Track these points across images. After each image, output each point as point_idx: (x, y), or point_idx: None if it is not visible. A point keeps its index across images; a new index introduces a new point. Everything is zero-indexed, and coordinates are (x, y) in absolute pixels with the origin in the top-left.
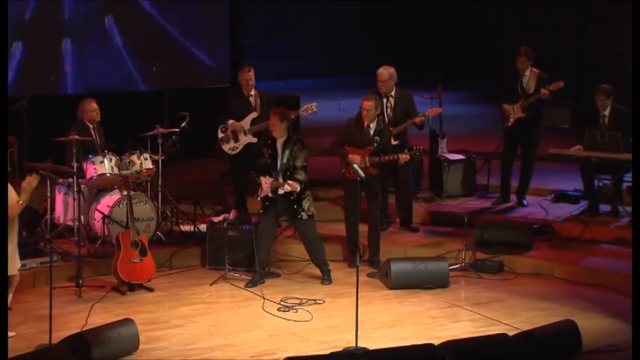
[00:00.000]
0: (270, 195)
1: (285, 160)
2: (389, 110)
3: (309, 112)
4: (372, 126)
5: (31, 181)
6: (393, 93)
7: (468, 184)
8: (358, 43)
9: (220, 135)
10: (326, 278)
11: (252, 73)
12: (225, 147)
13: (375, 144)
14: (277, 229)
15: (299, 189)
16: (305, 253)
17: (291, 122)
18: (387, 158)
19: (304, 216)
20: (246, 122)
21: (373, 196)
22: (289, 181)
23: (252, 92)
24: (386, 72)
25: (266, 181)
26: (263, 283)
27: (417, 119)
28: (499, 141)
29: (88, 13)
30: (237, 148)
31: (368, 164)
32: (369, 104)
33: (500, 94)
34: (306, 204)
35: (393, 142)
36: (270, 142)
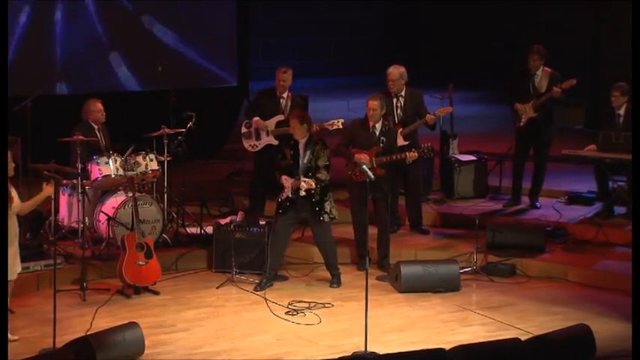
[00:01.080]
0: (290, 195)
1: (306, 161)
2: (399, 110)
3: (334, 127)
4: (378, 126)
5: (49, 191)
6: (403, 92)
7: (479, 186)
8: (368, 42)
9: (243, 130)
10: (335, 281)
11: (288, 75)
12: (246, 143)
13: (382, 144)
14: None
15: (314, 186)
16: (313, 255)
17: (311, 124)
18: (394, 157)
19: (326, 218)
20: (271, 123)
21: (382, 198)
22: (304, 179)
23: (285, 94)
24: (396, 71)
25: (287, 181)
26: (271, 286)
27: (429, 118)
28: (511, 141)
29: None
30: (257, 146)
31: (375, 165)
32: (374, 104)
33: (512, 94)
34: (328, 206)
35: (403, 142)
36: (292, 142)
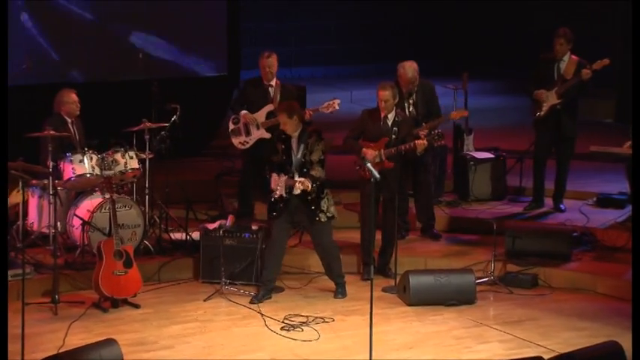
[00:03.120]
0: (284, 195)
1: (300, 156)
2: (411, 107)
3: (331, 110)
4: (391, 116)
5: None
6: (415, 88)
7: (497, 186)
8: (372, 27)
9: (231, 127)
10: (340, 291)
11: (273, 59)
12: (235, 140)
13: (394, 135)
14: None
15: (310, 187)
16: (311, 264)
17: (302, 114)
18: (402, 148)
19: (323, 218)
20: (260, 115)
21: (390, 198)
22: (299, 179)
23: (273, 82)
24: (410, 70)
25: (276, 179)
26: (269, 298)
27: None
28: (533, 137)
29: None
30: (247, 142)
31: (383, 158)
32: (385, 94)
33: (533, 82)
34: (325, 204)
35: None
36: (284, 136)
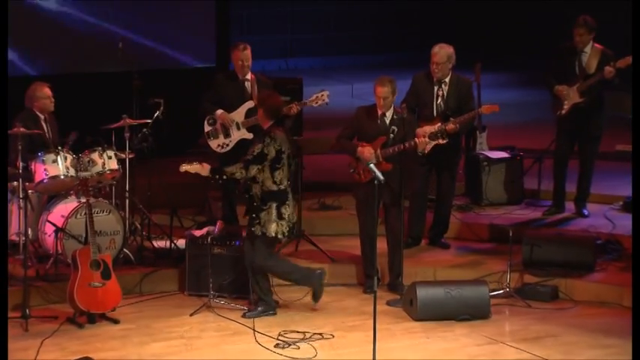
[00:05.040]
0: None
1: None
2: (439, 100)
3: (320, 102)
4: (389, 114)
5: None
6: (447, 79)
7: (513, 189)
8: (376, 13)
9: (207, 129)
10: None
11: (248, 52)
12: (213, 144)
13: (392, 135)
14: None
15: (208, 175)
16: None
17: (275, 110)
18: (401, 147)
19: (257, 230)
20: (239, 114)
21: (393, 203)
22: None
23: (249, 76)
24: (443, 52)
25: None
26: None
27: (484, 109)
28: (552, 135)
29: None
30: (227, 145)
31: (381, 158)
32: (384, 90)
33: (553, 75)
34: (264, 217)
35: (442, 142)
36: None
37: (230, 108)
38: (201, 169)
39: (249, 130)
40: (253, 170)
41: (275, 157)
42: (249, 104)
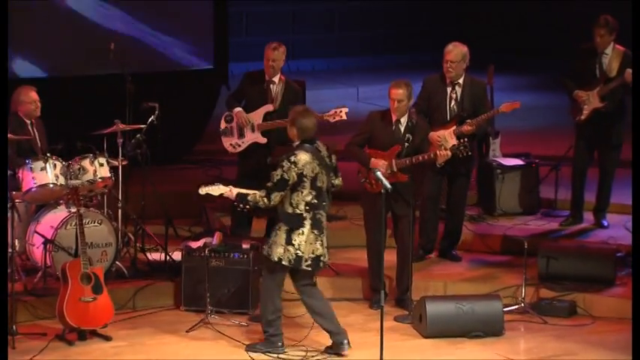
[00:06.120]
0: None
1: None
2: (452, 103)
3: (337, 119)
4: (403, 121)
5: None
6: (461, 80)
7: (528, 199)
8: (384, 12)
9: (222, 126)
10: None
11: (280, 53)
12: (226, 142)
13: (407, 143)
14: None
15: (233, 198)
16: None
17: (308, 130)
18: (420, 158)
19: (265, 250)
20: (257, 115)
21: (405, 215)
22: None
23: (276, 78)
24: (458, 50)
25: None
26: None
27: (505, 106)
28: (570, 141)
29: None
30: (239, 145)
31: (395, 169)
32: (399, 93)
33: (572, 78)
34: (273, 237)
35: (454, 143)
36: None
37: (251, 109)
38: (229, 193)
39: (263, 134)
40: (276, 198)
41: (297, 181)
42: (268, 108)
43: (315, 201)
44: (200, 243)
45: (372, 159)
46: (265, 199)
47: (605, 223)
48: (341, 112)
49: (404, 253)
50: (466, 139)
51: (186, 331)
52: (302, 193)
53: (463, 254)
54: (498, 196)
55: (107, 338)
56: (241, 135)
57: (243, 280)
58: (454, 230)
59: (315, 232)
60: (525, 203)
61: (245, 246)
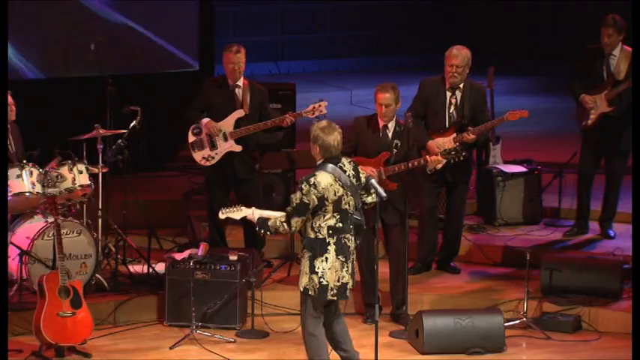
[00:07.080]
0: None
1: None
2: (452, 108)
3: (317, 114)
4: (391, 126)
5: None
6: (461, 84)
7: (530, 208)
8: (378, 12)
9: (191, 139)
10: None
11: (241, 56)
12: (197, 155)
13: (395, 149)
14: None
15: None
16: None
17: (332, 148)
18: (409, 165)
19: (300, 284)
20: (227, 123)
21: (396, 224)
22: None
23: (240, 82)
24: (464, 54)
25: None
26: None
27: (511, 114)
28: (574, 146)
29: None
30: (213, 157)
31: (384, 177)
32: (386, 97)
33: (578, 80)
34: (301, 266)
35: (459, 159)
36: None
37: (218, 117)
38: (252, 216)
39: (237, 142)
40: (297, 223)
41: (318, 205)
42: (239, 113)
43: (340, 225)
44: (185, 254)
45: (360, 166)
46: (285, 225)
47: (612, 234)
48: (320, 106)
49: (397, 264)
50: (458, 144)
51: (170, 348)
52: (324, 216)
53: (462, 266)
54: (499, 204)
55: (86, 355)
56: (213, 146)
57: (231, 294)
58: (453, 241)
59: (341, 258)
60: (527, 212)
61: (232, 257)
